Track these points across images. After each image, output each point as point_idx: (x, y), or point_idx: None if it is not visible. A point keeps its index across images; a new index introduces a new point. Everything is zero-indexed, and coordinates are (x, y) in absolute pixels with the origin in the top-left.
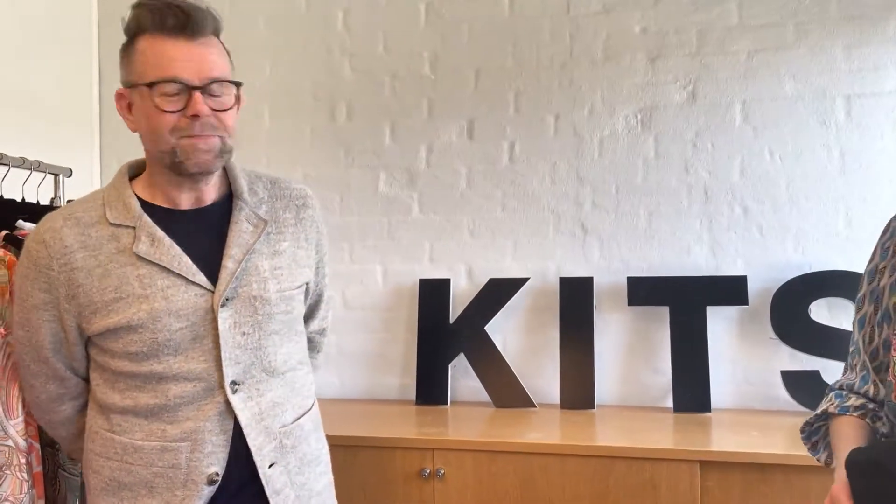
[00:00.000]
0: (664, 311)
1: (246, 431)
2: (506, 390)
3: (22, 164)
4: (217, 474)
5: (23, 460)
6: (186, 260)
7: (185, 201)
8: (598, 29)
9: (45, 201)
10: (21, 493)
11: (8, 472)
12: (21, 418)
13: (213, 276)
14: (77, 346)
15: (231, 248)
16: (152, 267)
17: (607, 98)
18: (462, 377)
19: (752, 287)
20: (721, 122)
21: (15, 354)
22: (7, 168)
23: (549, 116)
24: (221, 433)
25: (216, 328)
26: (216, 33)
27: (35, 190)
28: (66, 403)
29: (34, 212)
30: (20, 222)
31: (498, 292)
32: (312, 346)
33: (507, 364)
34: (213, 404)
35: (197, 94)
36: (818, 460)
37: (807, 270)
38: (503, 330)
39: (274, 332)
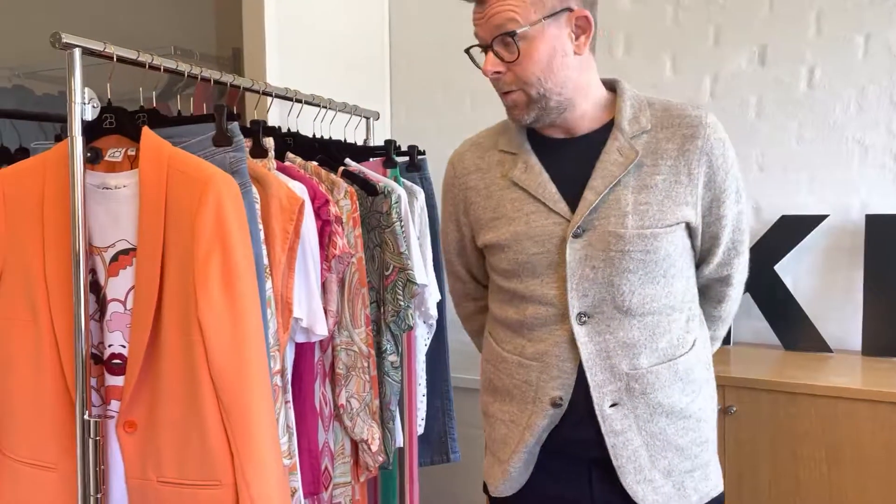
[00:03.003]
0: None
1: (587, 365)
2: (797, 333)
3: (344, 108)
4: (560, 398)
5: (365, 364)
6: (551, 188)
7: (556, 133)
8: None
9: (358, 142)
10: (364, 392)
11: (353, 373)
12: (363, 328)
13: (575, 205)
14: (474, 254)
15: (595, 180)
16: (523, 192)
17: None
18: (745, 317)
19: None
20: None
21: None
22: (335, 112)
23: (859, 36)
24: (569, 360)
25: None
26: None
27: (349, 131)
28: (468, 301)
29: (354, 151)
30: (347, 160)
31: (791, 230)
32: (711, 294)
33: (800, 306)
34: (563, 331)
35: (487, 55)
36: None
37: None
38: (794, 270)
39: (628, 271)
